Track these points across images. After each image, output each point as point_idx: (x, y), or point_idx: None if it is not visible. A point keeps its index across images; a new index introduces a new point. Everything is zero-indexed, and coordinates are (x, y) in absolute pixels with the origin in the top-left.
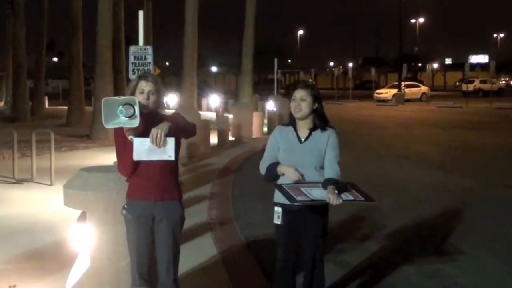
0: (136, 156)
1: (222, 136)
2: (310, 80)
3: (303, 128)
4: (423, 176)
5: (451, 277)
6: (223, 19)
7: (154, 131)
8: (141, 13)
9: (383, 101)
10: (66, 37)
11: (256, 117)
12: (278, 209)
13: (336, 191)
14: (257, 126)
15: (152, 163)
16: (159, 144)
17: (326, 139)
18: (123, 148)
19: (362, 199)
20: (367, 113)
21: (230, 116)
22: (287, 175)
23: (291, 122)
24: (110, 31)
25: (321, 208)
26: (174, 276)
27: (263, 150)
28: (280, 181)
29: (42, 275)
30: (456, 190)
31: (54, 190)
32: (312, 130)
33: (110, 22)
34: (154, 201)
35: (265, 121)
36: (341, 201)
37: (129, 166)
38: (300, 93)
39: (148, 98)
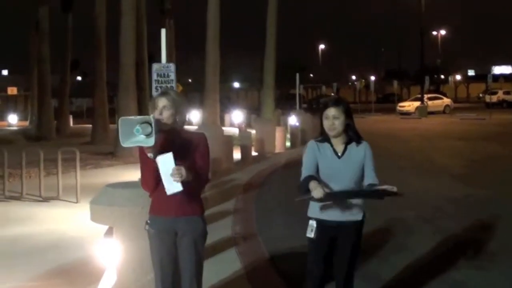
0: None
1: (245, 151)
2: (332, 94)
3: (338, 143)
4: (447, 188)
5: None
6: (245, 35)
7: (178, 171)
8: (163, 31)
9: (406, 114)
10: (89, 55)
11: (278, 132)
12: (312, 223)
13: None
14: (280, 141)
15: None
16: (175, 179)
17: (363, 152)
18: (146, 165)
19: (394, 191)
20: (390, 126)
21: (253, 131)
22: (314, 193)
23: (326, 138)
24: (133, 49)
25: (355, 225)
26: None
27: (286, 165)
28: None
29: None
30: (481, 202)
31: (80, 208)
32: (347, 144)
33: (133, 40)
34: (175, 216)
35: (288, 136)
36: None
37: (151, 182)
38: (332, 111)
39: (161, 114)
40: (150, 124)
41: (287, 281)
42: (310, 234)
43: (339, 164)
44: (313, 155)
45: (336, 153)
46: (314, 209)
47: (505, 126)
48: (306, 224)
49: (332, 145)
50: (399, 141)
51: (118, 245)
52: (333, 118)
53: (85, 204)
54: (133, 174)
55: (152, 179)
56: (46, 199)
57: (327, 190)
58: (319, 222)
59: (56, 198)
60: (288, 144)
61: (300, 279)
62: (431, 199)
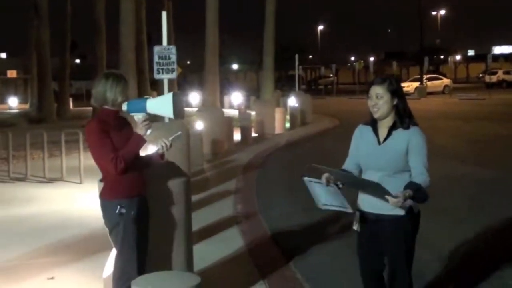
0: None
1: (245, 132)
2: (331, 75)
3: (383, 127)
4: (447, 168)
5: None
6: (244, 16)
7: (161, 144)
8: (164, 14)
9: (405, 94)
10: (88, 38)
11: (278, 113)
12: (357, 214)
13: (405, 198)
14: (279, 122)
15: (139, 158)
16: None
17: (407, 140)
18: (112, 145)
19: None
20: None
21: (253, 113)
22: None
23: (371, 120)
24: (133, 31)
25: (397, 220)
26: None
27: (286, 146)
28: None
29: (79, 266)
30: (481, 181)
31: (84, 188)
32: (391, 129)
33: (133, 23)
34: (145, 194)
35: (287, 117)
36: (400, 204)
37: (131, 160)
38: (375, 90)
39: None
40: None
41: (288, 257)
42: (355, 226)
43: (377, 152)
44: (354, 144)
45: (378, 138)
46: (361, 201)
47: (505, 106)
48: (305, 202)
49: (376, 129)
50: None
51: None
52: (376, 98)
53: (88, 184)
54: None
55: (133, 156)
56: (50, 180)
57: (328, 176)
58: (361, 213)
59: (60, 179)
60: (287, 125)
61: (300, 256)
62: (431, 179)
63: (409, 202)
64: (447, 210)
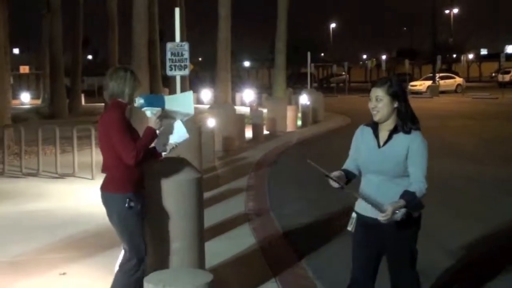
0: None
1: (256, 130)
2: (343, 73)
3: (384, 130)
4: (458, 167)
5: None
6: (256, 13)
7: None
8: (177, 11)
9: (418, 93)
10: (100, 34)
11: (290, 111)
12: (353, 215)
13: (398, 210)
14: (291, 120)
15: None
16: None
17: (407, 145)
18: (131, 135)
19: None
20: None
21: (264, 110)
22: (331, 181)
23: (373, 122)
24: (146, 28)
25: (393, 226)
26: None
27: (297, 143)
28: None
29: (91, 262)
30: (493, 181)
31: (96, 184)
32: (392, 133)
33: (146, 20)
34: (144, 191)
35: (299, 115)
36: (387, 219)
37: (144, 154)
38: (375, 92)
39: None
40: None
41: (300, 255)
42: (349, 226)
43: (377, 155)
44: (355, 145)
45: (378, 141)
46: (357, 203)
47: None
48: (317, 200)
49: (376, 132)
50: None
51: None
52: (375, 100)
53: (100, 180)
54: None
55: (145, 148)
56: (62, 176)
57: (339, 184)
58: (358, 216)
59: (72, 175)
60: (299, 123)
61: (312, 253)
62: (443, 177)
63: (401, 213)
64: (459, 209)
